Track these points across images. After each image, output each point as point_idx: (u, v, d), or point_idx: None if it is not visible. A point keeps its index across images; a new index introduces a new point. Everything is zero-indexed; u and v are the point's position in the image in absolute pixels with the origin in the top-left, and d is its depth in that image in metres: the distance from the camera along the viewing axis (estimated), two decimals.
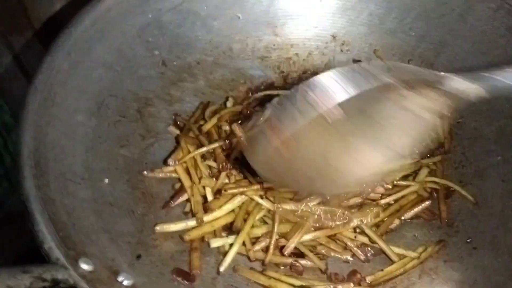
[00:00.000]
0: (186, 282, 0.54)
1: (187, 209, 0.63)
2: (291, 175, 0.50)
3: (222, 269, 0.57)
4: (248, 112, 0.72)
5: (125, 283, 0.47)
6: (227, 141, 0.67)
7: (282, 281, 0.55)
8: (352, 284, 0.54)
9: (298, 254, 0.59)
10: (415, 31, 0.73)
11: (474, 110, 0.67)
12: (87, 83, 0.62)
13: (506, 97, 0.64)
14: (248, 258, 0.59)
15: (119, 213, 0.58)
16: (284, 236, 0.58)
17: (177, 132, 0.70)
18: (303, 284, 0.55)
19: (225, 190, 0.61)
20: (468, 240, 0.58)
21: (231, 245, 0.59)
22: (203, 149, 0.66)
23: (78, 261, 0.44)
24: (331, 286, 0.55)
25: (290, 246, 0.57)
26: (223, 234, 0.60)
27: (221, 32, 0.75)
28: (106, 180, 0.60)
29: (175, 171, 0.65)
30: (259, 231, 0.60)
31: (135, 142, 0.66)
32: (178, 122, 0.71)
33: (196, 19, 0.73)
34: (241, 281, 0.57)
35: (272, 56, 0.78)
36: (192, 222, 0.60)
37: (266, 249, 0.58)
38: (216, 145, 0.66)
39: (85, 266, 0.44)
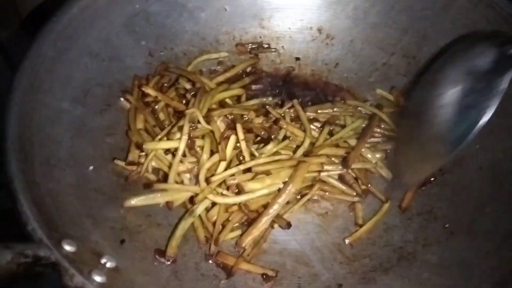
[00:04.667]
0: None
1: None
2: None
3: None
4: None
5: (108, 265, 0.48)
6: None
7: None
8: None
9: None
10: (398, 24, 0.74)
11: None
12: (74, 71, 0.63)
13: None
14: None
15: (103, 200, 0.59)
16: None
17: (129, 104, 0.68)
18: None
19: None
20: (446, 226, 0.60)
21: None
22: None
23: (61, 242, 0.45)
24: None
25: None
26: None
27: (208, 23, 0.76)
28: (91, 167, 0.60)
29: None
30: None
31: (120, 131, 0.67)
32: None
33: (183, 10, 0.74)
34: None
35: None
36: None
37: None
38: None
39: (68, 247, 0.44)
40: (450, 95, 0.50)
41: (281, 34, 0.79)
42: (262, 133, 0.65)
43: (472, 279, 0.52)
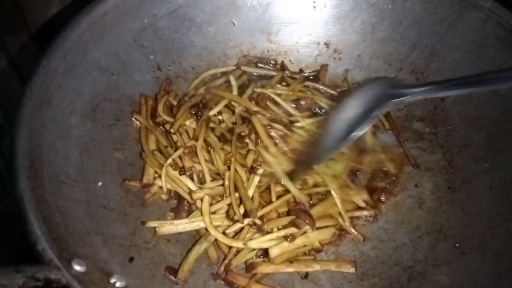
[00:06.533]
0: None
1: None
2: None
3: None
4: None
5: (118, 284, 0.47)
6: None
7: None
8: None
9: None
10: (406, 39, 0.74)
11: (464, 118, 0.68)
12: (83, 86, 0.63)
13: (495, 105, 0.66)
14: None
15: (112, 216, 0.58)
16: None
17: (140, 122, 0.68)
18: None
19: None
20: (456, 245, 0.59)
21: None
22: (169, 161, 0.64)
23: (71, 262, 0.44)
24: None
25: None
26: None
27: (216, 38, 0.76)
28: (100, 183, 0.60)
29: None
30: None
31: (129, 145, 0.67)
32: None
33: (192, 25, 0.74)
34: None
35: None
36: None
37: None
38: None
39: (77, 267, 0.44)
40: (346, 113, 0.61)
41: (288, 48, 0.79)
42: None
43: None
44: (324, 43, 0.78)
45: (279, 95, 0.72)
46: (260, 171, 0.63)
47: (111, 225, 0.57)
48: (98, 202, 0.58)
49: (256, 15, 0.76)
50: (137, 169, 0.66)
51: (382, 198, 0.66)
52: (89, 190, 0.58)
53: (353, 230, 0.62)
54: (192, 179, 0.63)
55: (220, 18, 0.75)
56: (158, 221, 0.60)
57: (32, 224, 0.46)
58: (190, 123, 0.69)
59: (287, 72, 0.77)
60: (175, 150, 0.65)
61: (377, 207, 0.65)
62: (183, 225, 0.60)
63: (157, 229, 0.60)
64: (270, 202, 0.61)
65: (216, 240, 0.59)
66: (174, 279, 0.55)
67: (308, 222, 0.57)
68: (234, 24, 0.76)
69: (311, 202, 0.62)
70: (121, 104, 0.68)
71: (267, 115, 0.70)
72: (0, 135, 1.00)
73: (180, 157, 0.64)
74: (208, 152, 0.66)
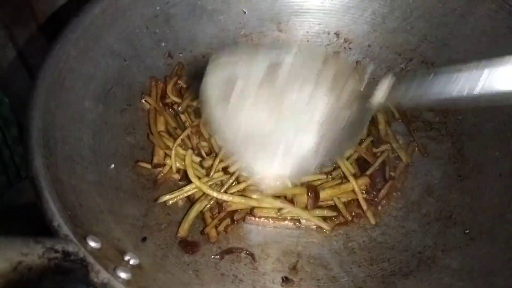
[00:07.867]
0: (191, 252, 0.57)
1: None
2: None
3: None
4: None
5: (132, 262, 0.48)
6: None
7: None
8: None
9: None
10: (417, 30, 0.74)
11: (474, 107, 0.68)
12: (95, 70, 0.63)
13: (505, 94, 0.66)
14: None
15: (124, 197, 0.59)
16: None
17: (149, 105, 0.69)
18: None
19: None
20: (466, 232, 0.59)
21: None
22: (178, 141, 0.65)
23: (86, 238, 0.45)
24: None
25: None
26: None
27: (226, 26, 0.76)
28: (112, 165, 0.61)
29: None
30: None
31: (140, 130, 0.68)
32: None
33: (203, 13, 0.74)
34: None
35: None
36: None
37: None
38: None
39: (93, 243, 0.45)
40: None
41: (298, 38, 0.79)
42: None
43: (496, 285, 0.52)
44: (335, 33, 0.78)
45: None
46: None
47: (123, 206, 0.57)
48: (110, 183, 0.58)
49: (267, 4, 0.77)
50: (148, 153, 0.66)
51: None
52: (101, 171, 0.58)
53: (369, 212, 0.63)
54: (201, 156, 0.64)
55: (231, 7, 0.76)
56: (168, 195, 0.62)
57: (47, 201, 0.46)
58: (198, 103, 0.69)
59: None
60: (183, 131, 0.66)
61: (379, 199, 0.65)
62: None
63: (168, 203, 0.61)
64: None
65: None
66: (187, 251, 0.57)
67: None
68: (245, 13, 0.77)
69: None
70: (133, 89, 0.69)
71: None
72: (6, 126, 1.00)
73: (188, 137, 0.65)
74: None
